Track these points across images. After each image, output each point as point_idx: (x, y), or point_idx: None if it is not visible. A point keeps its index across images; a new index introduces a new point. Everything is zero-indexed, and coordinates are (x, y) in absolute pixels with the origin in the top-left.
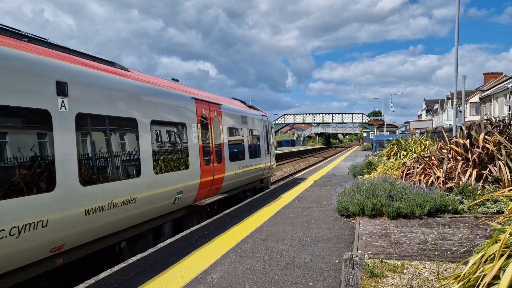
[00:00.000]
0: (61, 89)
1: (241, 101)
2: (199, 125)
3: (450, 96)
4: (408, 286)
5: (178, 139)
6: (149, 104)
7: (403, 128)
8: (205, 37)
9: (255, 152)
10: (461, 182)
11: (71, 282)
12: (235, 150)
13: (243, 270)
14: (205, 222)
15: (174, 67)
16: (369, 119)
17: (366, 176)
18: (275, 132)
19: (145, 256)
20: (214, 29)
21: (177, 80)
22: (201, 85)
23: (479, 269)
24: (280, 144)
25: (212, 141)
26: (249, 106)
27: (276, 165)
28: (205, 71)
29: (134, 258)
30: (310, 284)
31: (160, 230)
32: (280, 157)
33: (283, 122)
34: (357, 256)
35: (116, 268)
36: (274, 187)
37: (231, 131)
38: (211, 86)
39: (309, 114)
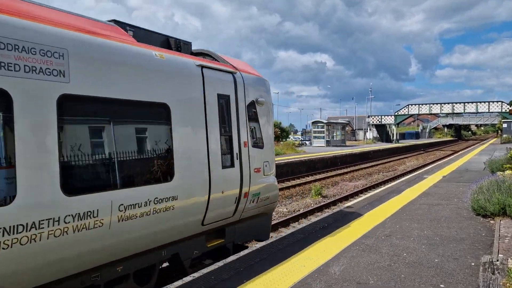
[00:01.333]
0: None
1: (161, 35)
2: None
3: None
4: None
5: None
6: None
7: None
8: (322, 28)
9: (142, 168)
10: None
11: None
12: None
13: (366, 265)
14: (325, 215)
15: (291, 60)
16: (510, 108)
17: (508, 172)
18: (397, 124)
19: (269, 244)
20: (331, 20)
21: None
22: (318, 77)
23: None
24: (403, 136)
25: None
26: (196, 53)
27: (399, 159)
28: (322, 63)
29: (258, 245)
30: (441, 286)
31: None
32: (402, 151)
33: (406, 113)
34: (497, 260)
35: (242, 253)
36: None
37: None
38: (328, 78)
39: (437, 104)
